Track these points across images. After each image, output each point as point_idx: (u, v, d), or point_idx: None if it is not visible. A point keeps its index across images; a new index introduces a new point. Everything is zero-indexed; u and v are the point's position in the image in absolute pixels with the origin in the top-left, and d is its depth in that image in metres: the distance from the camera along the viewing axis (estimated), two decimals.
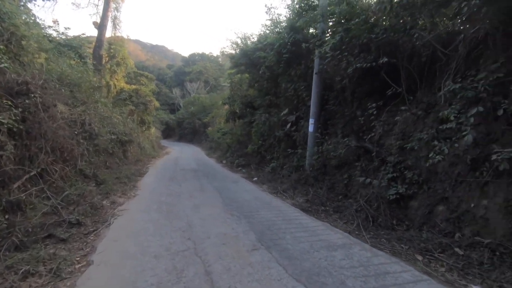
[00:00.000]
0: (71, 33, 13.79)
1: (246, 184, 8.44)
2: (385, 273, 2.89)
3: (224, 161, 15.73)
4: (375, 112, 5.26)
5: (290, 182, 7.66)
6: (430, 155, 3.86)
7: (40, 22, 10.08)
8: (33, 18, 10.27)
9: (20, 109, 4.97)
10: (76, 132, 7.07)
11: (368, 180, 5.16)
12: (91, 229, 4.45)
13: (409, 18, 4.81)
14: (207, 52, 67.93)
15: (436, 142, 3.77)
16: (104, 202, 5.96)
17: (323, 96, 7.59)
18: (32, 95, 5.18)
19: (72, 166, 6.85)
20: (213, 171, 11.34)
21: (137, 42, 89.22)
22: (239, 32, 11.89)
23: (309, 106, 8.16)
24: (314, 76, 7.48)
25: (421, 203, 4.47)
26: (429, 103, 4.87)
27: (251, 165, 11.96)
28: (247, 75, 14.71)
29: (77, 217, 4.65)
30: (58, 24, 12.44)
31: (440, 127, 3.92)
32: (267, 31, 10.45)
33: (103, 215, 5.17)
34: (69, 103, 8.03)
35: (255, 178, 9.58)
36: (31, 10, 11.78)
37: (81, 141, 7.70)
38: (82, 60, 12.88)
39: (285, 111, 9.11)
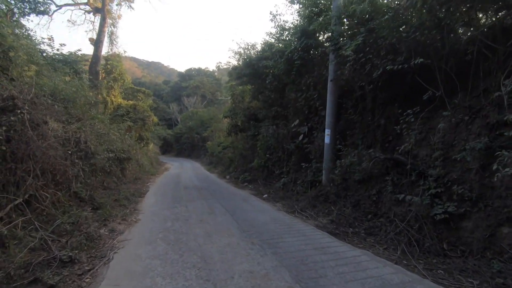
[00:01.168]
0: (67, 50, 13.27)
1: (258, 203, 7.72)
2: None
3: (227, 177, 15.01)
4: (412, 120, 4.65)
5: (307, 199, 6.96)
6: (495, 168, 3.22)
7: (33, 35, 9.53)
8: (26, 33, 9.78)
9: (4, 128, 4.30)
10: (70, 152, 6.37)
11: (408, 197, 4.48)
12: (86, 268, 3.71)
13: (443, 13, 4.28)
14: (203, 67, 68.25)
15: (505, 152, 3.13)
16: (102, 230, 5.21)
17: (341, 104, 7.01)
18: (19, 111, 4.52)
19: (66, 190, 6.14)
20: (218, 188, 10.60)
21: (133, 59, 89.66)
22: (241, 42, 11.45)
23: (323, 116, 7.57)
24: (329, 84, 6.92)
25: (478, 223, 3.80)
26: (473, 107, 4.28)
27: (258, 181, 11.27)
28: (249, 86, 14.23)
29: (70, 253, 3.90)
30: (53, 41, 12.00)
31: (506, 133, 3.30)
32: (272, 40, 10.01)
33: (101, 247, 4.43)
34: (63, 120, 7.38)
35: (265, 195, 8.87)
36: (24, 25, 11.31)
37: (76, 161, 7.01)
38: (78, 76, 12.32)
39: (296, 122, 8.52)
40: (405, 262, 3.69)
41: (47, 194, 4.93)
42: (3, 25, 5.33)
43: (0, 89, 4.72)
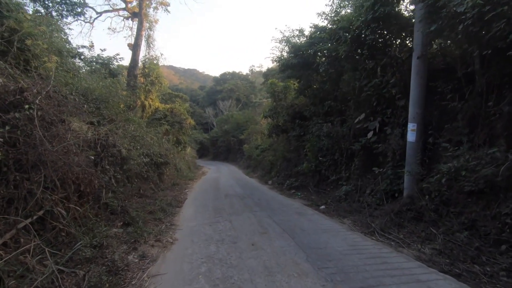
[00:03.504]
0: (106, 55, 12.92)
1: (318, 218, 6.19)
2: None
3: (269, 182, 13.64)
4: None
5: (387, 215, 5.28)
6: None
7: (71, 40, 9.07)
8: (65, 37, 9.38)
9: (7, 127, 3.34)
10: (96, 157, 5.45)
11: None
12: None
13: None
14: (237, 71, 68.07)
15: None
16: (131, 256, 4.11)
17: (431, 89, 5.25)
18: (27, 106, 3.56)
19: (94, 201, 5.22)
20: (263, 197, 9.22)
21: (170, 67, 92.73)
22: (286, 30, 9.84)
23: (402, 107, 5.89)
24: (415, 62, 5.22)
25: None
26: None
27: (309, 188, 9.73)
28: (292, 81, 12.77)
29: None
30: (93, 47, 11.69)
31: None
32: (325, 21, 8.48)
33: (127, 285, 3.27)
34: (93, 121, 6.58)
35: (323, 207, 7.31)
36: (63, 29, 11.03)
37: (107, 167, 6.15)
38: (114, 78, 11.86)
39: (361, 117, 6.86)
40: None
41: (62, 211, 3.91)
42: (19, 9, 4.50)
43: (10, 81, 3.83)
